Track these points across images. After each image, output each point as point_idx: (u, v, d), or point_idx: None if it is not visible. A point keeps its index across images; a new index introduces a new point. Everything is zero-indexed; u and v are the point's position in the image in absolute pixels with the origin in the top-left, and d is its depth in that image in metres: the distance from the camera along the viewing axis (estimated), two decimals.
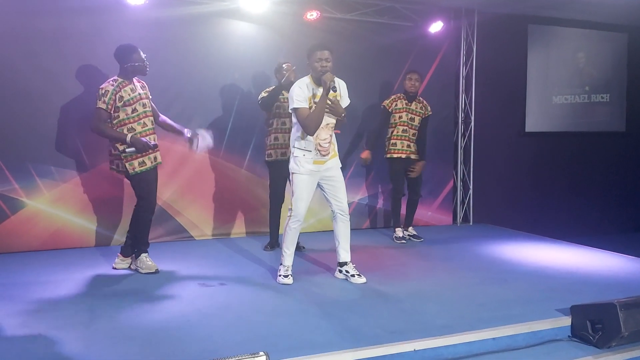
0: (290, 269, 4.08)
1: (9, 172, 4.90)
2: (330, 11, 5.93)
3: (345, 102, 4.05)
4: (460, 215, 6.91)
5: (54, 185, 5.07)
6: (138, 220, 4.29)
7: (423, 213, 6.51)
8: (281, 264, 4.09)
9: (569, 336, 3.29)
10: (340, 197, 4.06)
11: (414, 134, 5.55)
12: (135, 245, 4.35)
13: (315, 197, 4.23)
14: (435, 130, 6.35)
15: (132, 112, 4.13)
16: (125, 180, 5.16)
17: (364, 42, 6.16)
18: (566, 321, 3.31)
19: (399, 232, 5.64)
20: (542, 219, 7.36)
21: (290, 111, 3.99)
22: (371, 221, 6.46)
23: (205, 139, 4.41)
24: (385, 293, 3.82)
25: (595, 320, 3.16)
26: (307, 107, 3.86)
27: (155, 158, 4.25)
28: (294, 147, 3.99)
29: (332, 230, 4.18)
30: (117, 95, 4.08)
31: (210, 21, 5.56)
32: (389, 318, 3.30)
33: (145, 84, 4.35)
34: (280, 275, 4.06)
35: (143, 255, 4.31)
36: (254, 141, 5.78)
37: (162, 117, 4.48)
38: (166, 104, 5.06)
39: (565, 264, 4.74)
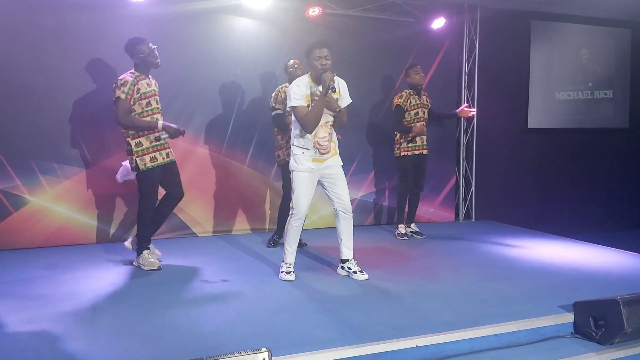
0: (292, 266, 4.08)
1: (11, 169, 4.91)
2: (332, 7, 5.91)
3: (345, 100, 4.03)
4: (462, 211, 6.90)
5: (56, 182, 5.07)
6: (139, 217, 4.31)
7: (425, 210, 6.51)
8: (283, 261, 4.09)
9: (571, 333, 3.28)
10: (342, 194, 4.05)
11: (425, 127, 5.53)
12: (137, 242, 4.36)
13: (317, 194, 4.23)
14: (438, 127, 6.34)
15: (147, 105, 4.14)
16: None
17: (366, 38, 6.15)
18: (569, 318, 3.31)
19: (402, 228, 5.63)
20: (544, 215, 7.35)
21: (288, 109, 3.98)
22: (374, 218, 6.46)
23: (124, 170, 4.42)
24: (387, 290, 3.81)
25: (598, 316, 3.16)
26: (305, 105, 3.85)
27: (167, 154, 4.26)
28: (293, 145, 3.99)
29: (334, 227, 4.17)
30: (135, 87, 4.09)
31: (211, 18, 5.56)
32: (391, 314, 3.29)
33: (157, 83, 4.35)
34: (282, 272, 4.06)
35: (145, 252, 4.31)
36: (255, 138, 5.79)
37: None
38: (168, 101, 5.06)
39: (568, 261, 4.73)
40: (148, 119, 4.13)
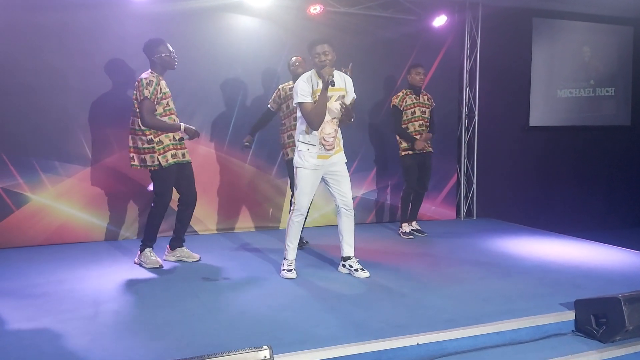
0: (293, 263, 4.09)
1: (13, 167, 4.92)
2: (333, 5, 5.91)
3: (351, 96, 4.04)
4: (464, 209, 6.90)
5: (58, 180, 5.08)
6: (149, 215, 4.32)
7: (427, 207, 6.51)
8: (284, 258, 4.09)
9: (573, 330, 3.28)
10: (345, 191, 4.05)
11: (427, 126, 5.50)
12: (142, 239, 4.37)
13: (319, 191, 4.23)
14: (439, 125, 6.33)
15: (167, 105, 4.16)
16: (130, 175, 5.21)
17: (367, 36, 6.14)
18: (570, 315, 3.31)
19: (406, 227, 5.61)
20: (546, 213, 7.35)
21: (295, 105, 3.99)
22: (375, 215, 6.46)
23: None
24: (388, 287, 3.82)
25: (599, 314, 3.16)
26: (311, 101, 3.86)
27: (184, 154, 4.27)
28: (298, 141, 3.99)
29: (336, 225, 4.18)
30: (159, 87, 4.10)
31: (213, 16, 5.55)
32: (393, 312, 3.30)
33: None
34: (283, 270, 4.06)
35: (147, 250, 4.32)
36: (257, 136, 5.77)
37: None
38: None
39: (570, 259, 4.73)
40: (166, 119, 4.13)
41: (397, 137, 5.51)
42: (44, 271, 4.18)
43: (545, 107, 7.55)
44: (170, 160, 4.16)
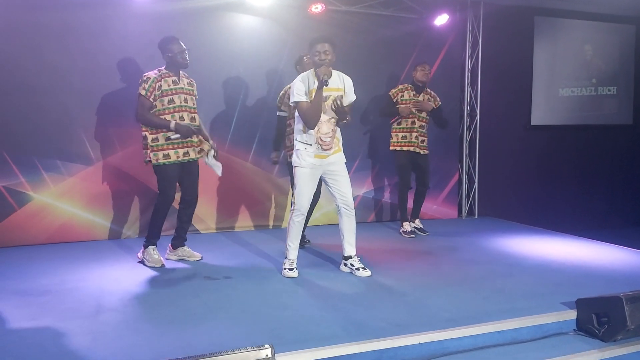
0: (295, 262, 4.09)
1: (15, 166, 4.93)
2: (335, 4, 5.90)
3: (350, 97, 4.04)
4: (465, 208, 6.89)
5: (60, 178, 5.09)
6: (153, 212, 4.33)
7: (428, 206, 6.50)
8: (286, 258, 4.10)
9: (574, 330, 3.28)
10: (345, 191, 4.05)
11: (422, 126, 5.46)
12: (146, 236, 4.38)
13: (321, 191, 4.22)
14: (432, 123, 6.33)
15: (169, 103, 4.13)
16: (132, 173, 5.22)
17: (369, 34, 6.14)
18: (572, 314, 3.31)
19: (407, 226, 5.59)
20: (547, 212, 7.34)
21: (291, 104, 3.99)
22: (376, 214, 6.46)
23: (215, 166, 4.41)
24: (390, 286, 3.82)
25: (600, 313, 3.15)
26: (307, 100, 3.85)
27: (186, 153, 4.21)
28: (296, 140, 3.99)
29: (337, 224, 4.18)
30: (157, 84, 4.11)
31: (214, 15, 5.55)
32: (394, 311, 3.30)
33: (193, 82, 4.37)
34: (285, 269, 4.07)
35: (151, 247, 4.32)
36: (258, 135, 5.79)
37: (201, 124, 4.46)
38: None
39: (571, 258, 4.73)
40: (169, 116, 4.12)
41: (392, 131, 5.48)
42: (46, 270, 4.19)
43: (547, 106, 7.54)
44: (161, 160, 4.15)
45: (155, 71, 4.16)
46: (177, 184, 4.33)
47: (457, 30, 6.65)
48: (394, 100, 5.44)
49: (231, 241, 5.28)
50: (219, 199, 5.70)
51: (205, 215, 5.64)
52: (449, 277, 4.09)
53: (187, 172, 4.32)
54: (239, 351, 2.33)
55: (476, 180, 6.85)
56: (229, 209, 5.77)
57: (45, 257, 4.57)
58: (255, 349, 2.36)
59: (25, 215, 4.99)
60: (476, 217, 6.85)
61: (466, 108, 6.80)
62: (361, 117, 6.15)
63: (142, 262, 4.34)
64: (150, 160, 4.17)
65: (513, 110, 7.26)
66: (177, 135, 4.15)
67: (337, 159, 4.03)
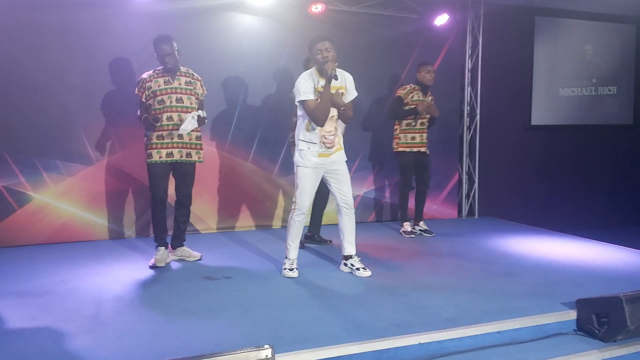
0: (295, 262, 4.09)
1: (15, 166, 4.93)
2: (335, 4, 5.90)
3: (351, 95, 4.04)
4: (465, 208, 6.89)
5: (60, 178, 5.09)
6: (151, 213, 4.33)
7: (428, 206, 6.49)
8: (286, 257, 4.10)
9: (574, 330, 3.28)
10: (345, 190, 4.05)
11: (426, 126, 5.47)
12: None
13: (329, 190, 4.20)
14: (441, 123, 6.33)
15: (158, 103, 4.13)
16: (132, 173, 5.23)
17: (369, 34, 6.13)
18: (572, 315, 3.31)
19: (407, 226, 5.59)
20: (547, 212, 7.34)
21: (297, 104, 3.99)
22: (377, 214, 6.46)
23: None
24: (390, 286, 3.82)
25: (601, 313, 3.15)
26: (314, 98, 3.86)
27: (170, 154, 4.16)
28: (298, 139, 3.98)
29: (337, 224, 4.17)
30: (147, 85, 4.14)
31: (214, 14, 5.55)
32: (394, 311, 3.30)
33: (195, 80, 4.28)
34: (285, 269, 4.06)
35: (158, 248, 4.33)
36: (259, 135, 5.79)
37: None
38: None
39: (571, 258, 4.73)
40: (163, 116, 4.12)
41: (396, 131, 5.43)
42: (45, 270, 4.19)
43: (547, 106, 7.53)
44: (147, 159, 4.16)
45: (150, 71, 4.18)
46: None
47: (458, 30, 6.65)
48: (405, 102, 5.36)
49: (231, 241, 5.27)
50: (219, 199, 5.70)
51: (205, 215, 5.64)
52: (449, 277, 4.09)
53: (178, 173, 4.30)
54: (239, 351, 2.33)
55: (476, 180, 6.85)
56: (230, 209, 5.76)
57: (45, 257, 4.57)
58: (255, 349, 2.36)
59: (25, 215, 4.99)
60: (476, 217, 6.85)
61: (466, 108, 6.80)
62: (361, 117, 6.14)
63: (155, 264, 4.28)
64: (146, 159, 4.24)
65: (513, 110, 7.26)
66: (150, 132, 4.15)
67: (338, 158, 4.04)
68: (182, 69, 4.25)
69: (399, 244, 5.23)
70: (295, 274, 4.03)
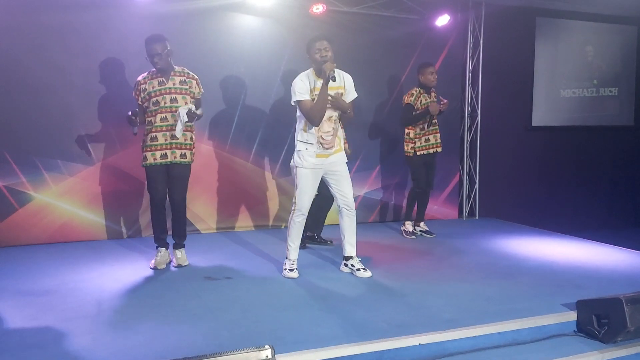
0: (295, 263, 4.09)
1: (16, 166, 4.94)
2: (336, 4, 5.90)
3: (351, 95, 4.04)
4: (466, 209, 6.89)
5: (61, 178, 5.10)
6: (150, 214, 4.32)
7: (429, 207, 6.46)
8: (286, 258, 4.10)
9: (574, 331, 3.28)
10: (346, 191, 4.05)
11: (437, 125, 5.46)
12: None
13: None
14: (442, 124, 6.31)
15: (153, 105, 4.10)
16: (132, 174, 5.23)
17: (370, 35, 6.13)
18: (572, 316, 3.31)
19: (409, 226, 5.58)
20: (548, 213, 7.33)
21: (292, 104, 3.98)
22: (377, 215, 6.46)
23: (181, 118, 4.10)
24: (390, 287, 3.82)
25: (601, 315, 3.15)
26: (310, 99, 3.86)
27: (164, 155, 4.11)
28: (297, 140, 3.98)
29: (338, 224, 4.18)
30: (141, 87, 4.13)
31: (215, 15, 5.56)
32: (395, 312, 3.30)
33: (190, 79, 4.20)
34: (285, 269, 4.07)
35: (158, 249, 4.31)
36: (259, 135, 5.79)
37: None
38: None
39: (572, 259, 4.73)
40: (152, 118, 4.10)
41: (410, 135, 5.38)
42: (46, 270, 4.20)
43: (548, 107, 7.53)
44: (147, 161, 4.13)
45: (145, 73, 4.16)
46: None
47: (458, 31, 6.65)
48: (415, 108, 5.32)
49: (232, 241, 5.28)
50: (219, 199, 5.71)
51: (205, 215, 5.65)
52: (450, 277, 4.09)
53: (171, 175, 4.20)
54: (240, 352, 2.34)
55: (477, 180, 6.85)
56: (230, 209, 5.77)
57: (45, 257, 4.58)
58: (256, 349, 2.36)
59: (26, 214, 5.00)
60: (477, 217, 6.85)
61: (467, 108, 6.80)
62: (362, 117, 6.14)
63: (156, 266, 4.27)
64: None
65: (514, 111, 7.26)
66: (135, 132, 4.12)
67: (338, 159, 4.03)
68: (177, 68, 4.19)
69: (400, 245, 5.24)
70: (295, 274, 4.04)
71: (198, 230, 5.63)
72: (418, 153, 5.39)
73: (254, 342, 2.60)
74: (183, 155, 4.17)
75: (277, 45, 5.77)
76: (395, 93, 6.29)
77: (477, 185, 6.85)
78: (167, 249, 4.36)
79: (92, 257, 4.57)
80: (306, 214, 4.05)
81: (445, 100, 5.35)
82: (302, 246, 4.63)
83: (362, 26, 6.09)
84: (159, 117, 4.10)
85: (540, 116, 7.47)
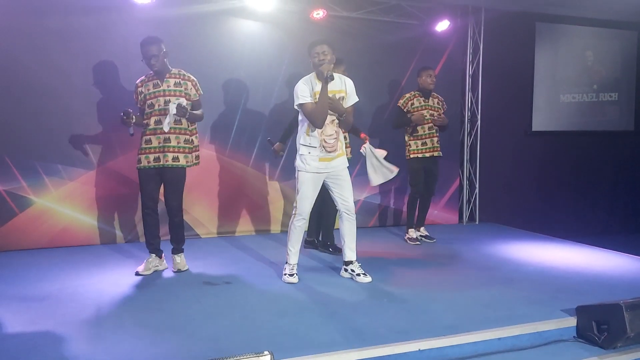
0: (295, 268, 4.09)
1: (16, 170, 4.95)
2: (336, 9, 5.92)
3: (352, 99, 4.05)
4: (466, 214, 6.89)
5: (61, 183, 5.10)
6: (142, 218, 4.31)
7: (429, 211, 6.46)
8: (286, 263, 4.10)
9: (574, 337, 3.28)
10: (346, 196, 4.05)
11: (436, 130, 5.43)
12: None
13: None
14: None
15: (149, 107, 4.10)
16: (132, 178, 5.22)
17: (370, 40, 6.15)
18: (572, 322, 3.30)
19: (412, 233, 5.55)
20: (548, 218, 7.33)
21: (295, 108, 4.00)
22: (378, 219, 6.46)
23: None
24: (390, 292, 3.82)
25: (600, 320, 3.15)
26: (312, 101, 3.87)
27: (157, 159, 4.07)
28: (299, 143, 3.99)
29: (337, 229, 4.18)
30: (138, 90, 4.15)
31: (216, 19, 5.57)
32: (394, 318, 3.30)
33: (185, 81, 4.14)
34: (285, 274, 4.07)
35: (150, 255, 4.30)
36: (260, 139, 5.80)
37: None
38: None
39: (572, 264, 4.72)
40: (149, 120, 4.09)
41: (406, 139, 5.44)
42: (46, 274, 4.20)
43: (548, 112, 7.54)
44: (141, 164, 4.12)
45: (144, 76, 4.17)
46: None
47: (458, 36, 6.67)
48: (405, 109, 5.37)
49: (232, 246, 5.28)
50: (220, 204, 5.71)
51: (206, 219, 5.65)
52: (449, 283, 4.09)
53: (165, 180, 4.16)
54: (239, 357, 2.33)
55: (477, 185, 6.85)
56: (230, 214, 5.77)
57: (45, 261, 4.58)
58: (255, 355, 2.36)
59: (26, 219, 5.00)
60: (477, 222, 6.85)
61: (467, 113, 6.81)
62: (362, 122, 6.14)
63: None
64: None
65: (514, 116, 7.27)
66: (132, 133, 4.08)
67: (340, 163, 4.04)
68: (174, 70, 4.15)
69: (400, 250, 5.23)
70: (295, 279, 4.03)
71: (198, 235, 5.63)
72: (412, 156, 5.40)
73: (254, 347, 2.60)
74: (175, 159, 4.10)
75: (277, 50, 5.78)
76: (395, 98, 6.29)
77: (477, 190, 6.86)
78: (157, 255, 4.30)
79: (91, 262, 4.58)
80: (307, 219, 4.05)
81: (440, 114, 5.38)
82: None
83: (362, 31, 6.11)
84: (153, 119, 4.08)
85: (540, 121, 7.48)
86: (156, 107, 4.08)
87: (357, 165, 6.13)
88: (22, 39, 4.89)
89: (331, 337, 2.97)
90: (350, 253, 4.14)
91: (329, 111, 3.89)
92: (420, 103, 5.37)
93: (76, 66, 5.06)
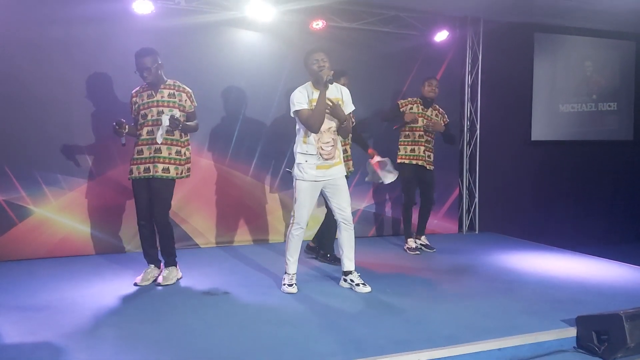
0: (294, 278, 4.08)
1: (16, 180, 4.95)
2: (335, 20, 5.95)
3: (349, 108, 4.06)
4: (465, 223, 6.89)
5: (60, 193, 5.10)
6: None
7: (429, 221, 6.46)
8: (285, 273, 4.09)
9: (574, 347, 3.26)
10: (344, 205, 4.05)
11: (428, 141, 5.42)
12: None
13: (320, 204, 4.21)
14: (441, 138, 6.35)
15: (142, 118, 4.11)
16: (131, 188, 5.22)
17: (369, 50, 6.18)
18: (572, 332, 3.29)
19: (412, 243, 5.53)
20: (548, 227, 7.33)
21: (292, 115, 4.01)
22: (377, 229, 6.46)
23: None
24: (390, 303, 3.81)
25: (601, 331, 3.14)
26: (309, 108, 3.88)
27: (147, 169, 4.03)
28: (296, 152, 4.00)
29: (336, 238, 4.17)
30: (133, 100, 4.16)
31: (216, 30, 5.61)
32: (394, 328, 3.28)
33: (180, 92, 4.11)
34: (284, 284, 4.05)
35: (151, 265, 4.30)
36: (259, 149, 5.81)
37: None
38: None
39: (571, 274, 4.71)
40: (142, 131, 4.09)
41: (399, 144, 5.46)
42: (45, 284, 4.19)
43: (547, 122, 7.56)
44: (132, 175, 4.11)
45: (138, 87, 4.17)
46: None
47: (457, 46, 6.70)
48: (401, 110, 5.39)
49: (231, 256, 5.27)
50: (218, 213, 5.71)
51: (204, 229, 5.65)
52: (449, 293, 4.08)
53: (152, 191, 4.10)
54: None
55: (476, 195, 6.86)
56: (229, 223, 5.77)
57: (45, 272, 4.57)
58: None
59: (26, 229, 5.00)
60: (476, 232, 6.85)
61: (466, 123, 6.83)
62: (361, 131, 6.15)
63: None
64: None
65: (513, 126, 7.29)
66: (123, 143, 4.07)
67: (337, 172, 4.03)
68: (169, 81, 4.14)
69: (399, 260, 5.22)
70: (294, 289, 4.02)
71: (197, 244, 5.62)
72: (399, 161, 5.39)
73: (252, 357, 2.59)
74: (165, 170, 4.04)
75: (277, 61, 5.81)
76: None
77: (476, 200, 6.86)
78: (156, 265, 4.30)
79: (90, 272, 4.56)
80: (305, 228, 4.05)
81: (433, 121, 5.41)
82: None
83: (362, 42, 6.15)
84: (145, 130, 4.08)
85: (539, 131, 7.50)
86: (149, 117, 4.07)
87: (356, 175, 6.14)
88: (23, 49, 4.92)
89: (330, 348, 2.96)
90: (349, 263, 4.13)
91: (328, 118, 3.91)
92: (418, 110, 5.40)
93: (77, 76, 5.09)
